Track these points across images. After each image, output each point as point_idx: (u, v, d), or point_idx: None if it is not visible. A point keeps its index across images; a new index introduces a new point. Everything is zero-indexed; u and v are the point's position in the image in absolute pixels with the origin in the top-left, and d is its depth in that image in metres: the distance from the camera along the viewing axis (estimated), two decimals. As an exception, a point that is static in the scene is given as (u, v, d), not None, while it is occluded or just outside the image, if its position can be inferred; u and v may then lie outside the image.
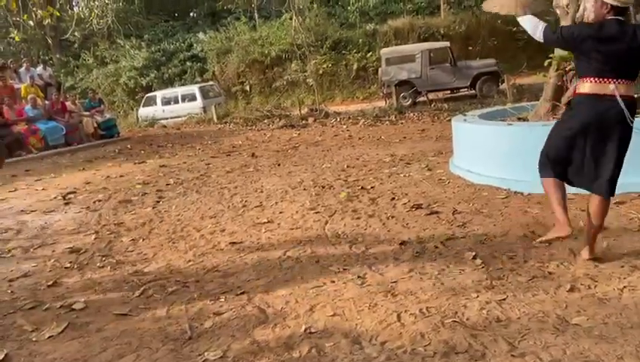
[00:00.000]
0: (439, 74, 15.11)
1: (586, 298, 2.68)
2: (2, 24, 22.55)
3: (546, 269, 3.08)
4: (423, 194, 5.11)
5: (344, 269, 3.39)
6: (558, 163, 3.13)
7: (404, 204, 4.79)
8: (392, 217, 4.43)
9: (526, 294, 2.77)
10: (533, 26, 3.12)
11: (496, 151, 4.95)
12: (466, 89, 15.54)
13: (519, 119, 5.59)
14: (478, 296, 2.82)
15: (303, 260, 3.67)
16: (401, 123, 11.73)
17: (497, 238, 3.68)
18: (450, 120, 8.57)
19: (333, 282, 3.21)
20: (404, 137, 9.30)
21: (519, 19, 3.17)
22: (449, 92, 15.82)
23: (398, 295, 2.92)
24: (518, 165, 4.69)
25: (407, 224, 4.20)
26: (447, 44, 16.10)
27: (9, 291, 3.58)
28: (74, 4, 22.14)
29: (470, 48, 19.00)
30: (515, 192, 4.69)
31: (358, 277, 3.23)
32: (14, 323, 3.05)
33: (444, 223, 4.12)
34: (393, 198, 5.03)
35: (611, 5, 2.95)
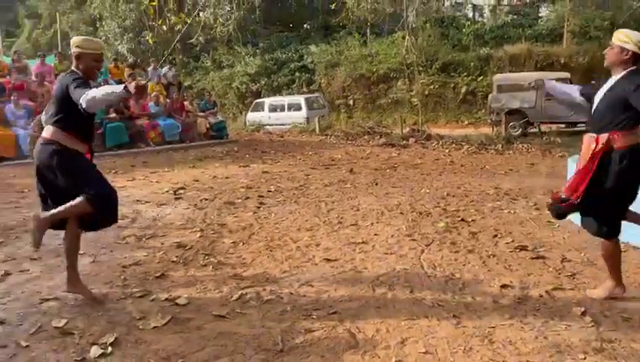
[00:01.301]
0: (555, 106, 14.27)
1: None
2: (136, 24, 24.78)
3: (667, 340, 2.79)
4: (528, 235, 4.85)
5: (439, 305, 3.30)
6: None
7: (508, 243, 4.57)
8: (494, 256, 4.25)
9: (642, 365, 2.53)
10: None
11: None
12: (583, 125, 14.53)
13: None
14: (585, 358, 2.61)
15: (397, 288, 3.62)
16: (509, 153, 11.24)
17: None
18: (563, 156, 8.10)
19: (427, 317, 3.13)
20: (511, 169, 8.90)
21: None
22: (564, 126, 14.90)
23: (495, 342, 2.79)
24: (641, 218, 4.30)
25: (509, 266, 4.00)
26: (568, 75, 15.20)
27: (122, 277, 3.90)
28: (201, 10, 23.77)
29: (593, 82, 17.77)
30: (635, 247, 4.30)
31: (454, 316, 3.12)
32: (125, 308, 3.31)
33: (550, 270, 3.88)
34: (496, 235, 4.82)
35: (633, 52, 2.97)
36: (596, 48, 19.45)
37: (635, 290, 3.46)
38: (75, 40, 3.31)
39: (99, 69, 3.40)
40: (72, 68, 3.27)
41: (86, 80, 3.18)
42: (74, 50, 3.26)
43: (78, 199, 3.17)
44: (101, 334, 2.92)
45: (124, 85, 2.90)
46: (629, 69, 3.12)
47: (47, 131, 3.23)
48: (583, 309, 3.16)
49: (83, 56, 3.24)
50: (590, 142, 3.18)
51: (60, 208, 3.25)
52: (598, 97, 3.23)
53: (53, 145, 3.18)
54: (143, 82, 2.94)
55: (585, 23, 20.93)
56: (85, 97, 2.93)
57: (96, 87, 3.14)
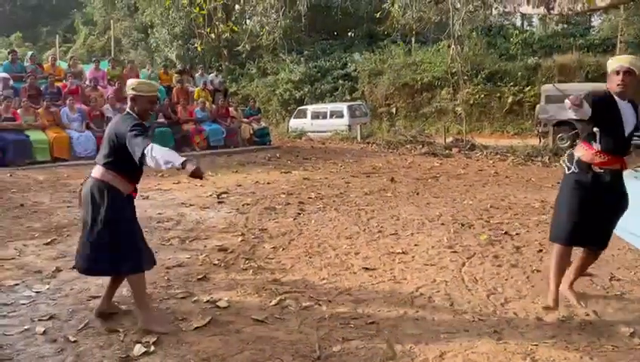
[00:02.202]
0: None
1: None
2: (185, 32, 25.50)
3: None
4: (575, 251, 4.69)
5: (480, 319, 3.24)
6: None
7: (553, 258, 4.43)
8: (538, 271, 4.13)
9: (696, 394, 2.41)
10: None
11: (671, 218, 4.37)
12: (637, 138, 13.96)
13: None
14: (633, 383, 2.51)
15: (436, 300, 3.58)
16: (555, 166, 10.90)
17: (663, 318, 3.24)
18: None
19: (467, 331, 3.08)
20: (558, 182, 8.60)
21: None
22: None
23: (538, 361, 2.71)
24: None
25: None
26: (620, 86, 14.63)
27: (165, 278, 4.01)
28: (247, 18, 24.23)
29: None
30: (691, 268, 4.10)
31: (495, 331, 3.06)
32: (168, 309, 3.41)
33: (598, 289, 3.75)
34: (541, 250, 4.69)
35: None
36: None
37: (689, 314, 3.29)
38: (130, 82, 3.26)
39: (153, 110, 3.39)
40: (127, 110, 3.21)
41: (142, 123, 3.15)
42: (129, 92, 3.21)
43: (130, 280, 3.21)
44: (144, 333, 3.02)
45: (183, 161, 2.82)
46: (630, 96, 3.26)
47: (98, 171, 3.18)
48: (631, 330, 3.03)
49: (138, 99, 3.18)
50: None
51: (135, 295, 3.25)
52: (625, 121, 3.22)
53: (103, 184, 3.15)
54: (200, 173, 2.81)
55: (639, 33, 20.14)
56: (148, 155, 2.87)
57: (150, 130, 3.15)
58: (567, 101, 3.01)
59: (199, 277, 4.01)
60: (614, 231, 3.54)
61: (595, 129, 3.19)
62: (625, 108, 3.21)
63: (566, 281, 3.49)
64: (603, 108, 3.13)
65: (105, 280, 3.89)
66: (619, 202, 3.36)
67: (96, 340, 2.97)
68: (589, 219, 3.27)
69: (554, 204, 3.52)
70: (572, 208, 3.28)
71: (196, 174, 2.82)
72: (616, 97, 3.19)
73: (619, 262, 4.30)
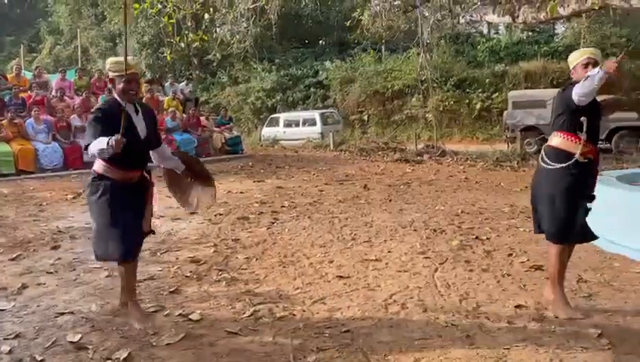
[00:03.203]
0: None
1: None
2: (154, 40, 25.21)
3: (687, 365, 2.73)
4: (544, 254, 4.74)
5: (452, 324, 3.27)
6: None
7: (523, 262, 4.52)
8: (508, 275, 4.20)
9: (661, 391, 2.48)
10: None
11: (634, 220, 4.51)
12: (600, 142, 14.37)
13: (665, 186, 5.06)
14: (602, 383, 2.57)
15: (410, 307, 3.60)
16: (524, 170, 11.13)
17: (628, 318, 3.33)
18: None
19: (440, 337, 3.11)
20: (526, 187, 8.73)
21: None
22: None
23: (510, 364, 2.75)
24: (659, 238, 4.25)
25: (524, 285, 3.95)
26: (583, 91, 15.08)
27: (136, 291, 3.92)
28: (218, 26, 24.16)
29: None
30: (651, 266, 4.23)
31: (467, 336, 3.10)
32: (139, 323, 3.33)
33: (566, 291, 3.81)
34: (511, 254, 4.78)
35: None
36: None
37: (653, 313, 3.39)
38: (107, 62, 3.31)
39: (132, 90, 3.16)
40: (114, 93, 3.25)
41: (102, 109, 3.19)
42: (109, 74, 3.25)
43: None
44: (115, 349, 2.95)
45: (107, 141, 2.87)
46: None
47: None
48: (599, 331, 3.11)
49: (115, 79, 3.16)
50: None
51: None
52: (594, 111, 3.27)
53: (96, 175, 3.22)
54: (120, 142, 2.85)
55: (601, 40, 20.79)
56: (88, 151, 3.01)
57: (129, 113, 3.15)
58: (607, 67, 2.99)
59: (171, 290, 3.94)
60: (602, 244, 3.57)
61: (582, 118, 3.20)
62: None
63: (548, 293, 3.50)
64: None
65: (73, 296, 3.81)
66: (592, 191, 3.41)
67: (64, 358, 2.88)
68: (581, 211, 3.29)
69: (543, 203, 3.39)
70: (569, 202, 3.24)
71: (118, 144, 2.87)
72: None
73: (586, 264, 4.41)
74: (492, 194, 8.15)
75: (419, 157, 13.39)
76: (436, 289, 3.93)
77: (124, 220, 3.16)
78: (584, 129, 3.20)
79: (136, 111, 3.25)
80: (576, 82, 3.22)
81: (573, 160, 3.22)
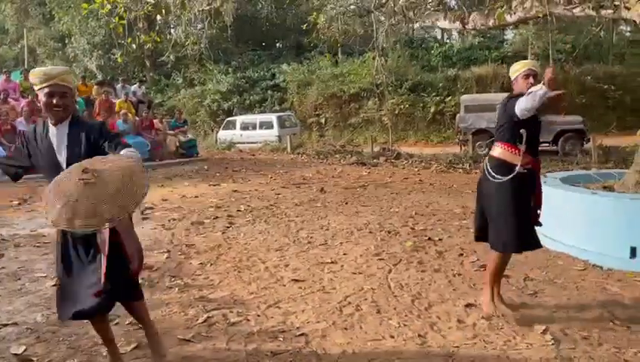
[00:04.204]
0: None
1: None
2: (106, 41, 24.52)
3: (623, 356, 2.89)
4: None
5: (404, 325, 3.33)
6: None
7: (473, 262, 4.66)
8: (459, 275, 4.32)
9: (599, 383, 2.60)
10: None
11: (576, 220, 4.72)
12: (547, 144, 14.98)
13: (605, 188, 5.31)
14: (545, 377, 2.67)
15: (364, 308, 3.64)
16: (475, 172, 11.43)
17: (571, 314, 3.49)
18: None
19: (393, 337, 3.16)
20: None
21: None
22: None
23: (459, 362, 2.83)
24: (599, 237, 4.47)
25: (474, 284, 4.07)
26: (531, 96, 15.67)
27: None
28: (171, 27, 23.73)
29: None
30: (594, 265, 4.44)
31: (419, 335, 3.16)
32: (87, 333, 3.23)
33: (513, 289, 3.97)
34: (461, 254, 4.91)
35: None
36: (558, 71, 20.18)
37: (594, 308, 3.55)
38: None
39: (58, 107, 2.50)
40: None
41: (27, 138, 2.62)
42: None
43: None
44: (61, 361, 2.85)
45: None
46: None
47: None
48: (544, 327, 3.23)
49: (39, 94, 2.56)
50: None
51: None
52: (533, 123, 3.38)
53: None
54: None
55: (547, 46, 21.66)
56: None
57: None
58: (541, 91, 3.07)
59: (121, 298, 3.83)
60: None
61: (522, 130, 3.29)
62: None
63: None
64: None
65: (17, 306, 3.65)
66: (539, 202, 3.50)
67: (6, 372, 2.76)
68: (528, 222, 3.38)
69: (490, 215, 3.44)
70: (516, 213, 3.30)
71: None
72: None
73: (532, 263, 4.57)
74: (445, 196, 8.34)
75: (375, 160, 13.56)
76: (390, 291, 3.99)
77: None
78: (524, 140, 3.29)
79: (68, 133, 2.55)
80: (519, 94, 3.34)
81: (515, 172, 3.29)
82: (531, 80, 3.32)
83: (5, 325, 3.35)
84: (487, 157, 3.58)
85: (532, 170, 3.40)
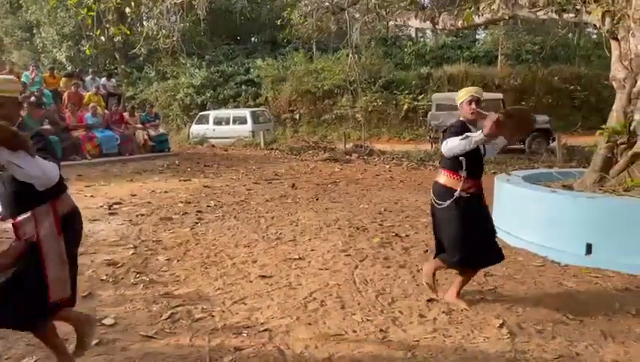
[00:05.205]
0: (489, 124, 14.94)
1: (613, 388, 2.59)
2: (76, 32, 23.97)
3: (574, 349, 3.00)
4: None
5: (367, 320, 3.40)
6: None
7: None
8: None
9: (549, 374, 2.71)
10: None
11: (536, 217, 4.87)
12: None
13: (564, 186, 5.49)
14: (499, 369, 2.77)
15: (328, 304, 3.70)
16: (445, 170, 11.64)
17: (527, 308, 3.60)
18: (494, 173, 8.50)
19: (355, 332, 3.22)
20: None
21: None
22: (497, 143, 15.60)
23: (418, 355, 2.91)
24: (557, 234, 4.62)
25: (437, 280, 4.15)
26: (501, 95, 15.97)
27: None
28: (144, 20, 23.34)
29: (523, 103, 18.77)
30: (552, 261, 4.58)
31: (381, 330, 3.23)
32: (48, 330, 3.20)
33: (474, 284, 4.07)
34: (427, 250, 5.00)
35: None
36: (527, 71, 20.67)
37: (550, 303, 3.68)
38: None
39: (7, 118, 2.26)
40: None
41: None
42: None
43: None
44: (20, 358, 2.83)
45: None
46: None
47: None
48: (501, 321, 3.34)
49: None
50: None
51: None
52: (481, 147, 3.50)
53: None
54: None
55: (517, 47, 22.14)
56: None
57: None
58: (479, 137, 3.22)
59: (84, 294, 3.79)
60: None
61: (461, 158, 3.42)
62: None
63: (452, 293, 3.72)
64: None
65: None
66: (487, 214, 3.67)
67: (-38, 370, 2.72)
68: (479, 241, 3.49)
69: (443, 238, 3.61)
70: (464, 234, 3.44)
71: None
72: (469, 125, 3.49)
73: (494, 259, 4.70)
74: (414, 192, 8.47)
75: (348, 157, 13.64)
76: (355, 286, 4.05)
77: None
78: (463, 167, 3.43)
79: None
80: (462, 123, 3.50)
81: (454, 197, 3.45)
82: (474, 105, 3.47)
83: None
84: (433, 184, 3.72)
85: (475, 194, 3.52)
